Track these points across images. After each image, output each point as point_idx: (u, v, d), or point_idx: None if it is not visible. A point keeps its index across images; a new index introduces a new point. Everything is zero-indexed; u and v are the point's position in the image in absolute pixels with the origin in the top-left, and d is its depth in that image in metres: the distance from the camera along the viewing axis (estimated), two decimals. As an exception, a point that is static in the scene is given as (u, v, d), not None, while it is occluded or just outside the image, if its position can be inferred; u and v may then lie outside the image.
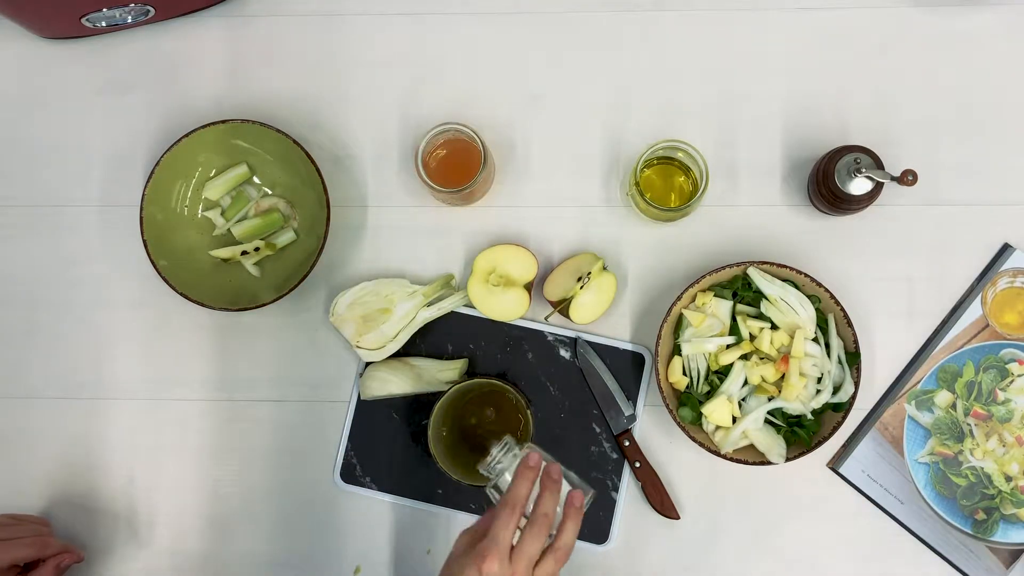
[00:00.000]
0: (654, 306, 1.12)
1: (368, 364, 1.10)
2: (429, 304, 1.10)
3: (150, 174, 1.09)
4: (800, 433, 1.05)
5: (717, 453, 1.05)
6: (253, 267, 1.12)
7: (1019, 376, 1.09)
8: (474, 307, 1.10)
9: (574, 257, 1.10)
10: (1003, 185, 1.12)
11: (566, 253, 1.12)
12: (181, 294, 1.08)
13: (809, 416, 1.05)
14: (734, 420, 1.04)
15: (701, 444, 1.05)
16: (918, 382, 1.10)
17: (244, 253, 1.11)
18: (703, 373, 1.06)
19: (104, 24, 1.12)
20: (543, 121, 1.14)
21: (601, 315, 1.09)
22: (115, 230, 1.15)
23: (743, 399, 1.05)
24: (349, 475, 1.11)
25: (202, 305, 1.08)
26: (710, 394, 1.05)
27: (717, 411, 1.04)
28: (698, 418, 1.05)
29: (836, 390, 1.05)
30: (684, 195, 1.10)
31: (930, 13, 1.13)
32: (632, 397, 1.10)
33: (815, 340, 1.05)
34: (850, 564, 1.10)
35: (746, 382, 1.05)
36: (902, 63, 1.13)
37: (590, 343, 1.11)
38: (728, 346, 1.05)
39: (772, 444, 1.04)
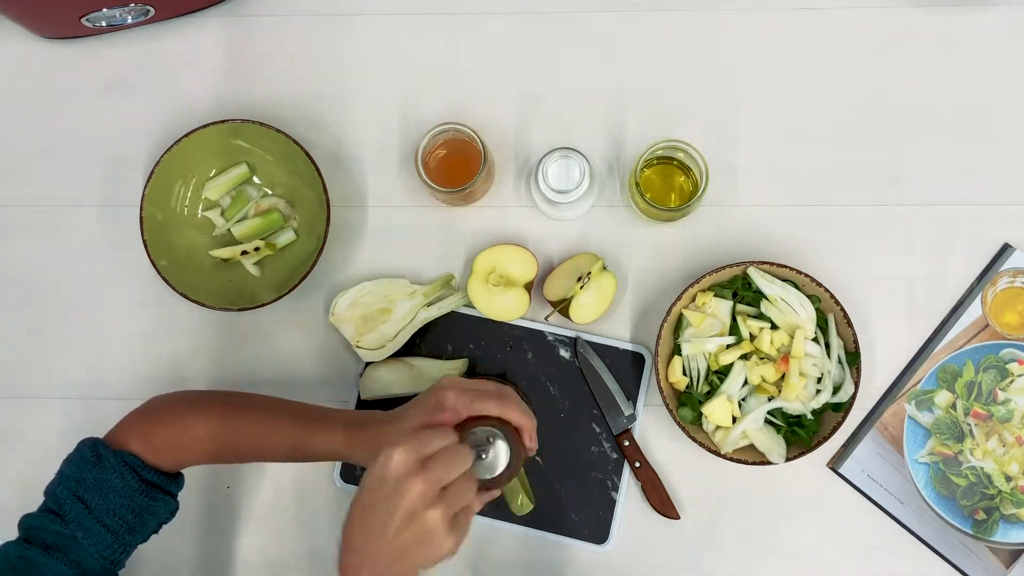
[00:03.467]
0: (654, 306, 1.12)
1: (368, 364, 1.10)
2: (429, 304, 1.10)
3: (150, 174, 1.09)
4: (800, 433, 1.05)
5: (717, 453, 1.05)
6: (253, 267, 1.12)
7: (1019, 376, 1.09)
8: (474, 307, 1.10)
9: (574, 257, 1.10)
10: (1003, 185, 1.12)
11: (566, 253, 1.12)
12: (181, 294, 1.08)
13: (809, 416, 1.05)
14: (734, 420, 1.04)
15: (701, 444, 1.05)
16: (918, 382, 1.10)
17: (244, 253, 1.11)
18: (703, 373, 1.06)
19: (104, 24, 1.12)
20: (543, 121, 1.14)
21: (601, 315, 1.09)
22: (115, 230, 1.15)
23: (743, 399, 1.05)
24: (349, 475, 1.11)
25: (202, 305, 1.08)
26: (710, 394, 1.05)
27: (717, 411, 1.04)
28: (698, 418, 1.05)
29: (836, 390, 1.05)
30: (684, 195, 1.10)
31: (930, 13, 1.13)
32: (632, 397, 1.10)
33: (815, 340, 1.05)
34: (850, 564, 1.10)
35: (746, 382, 1.05)
36: (902, 63, 1.13)
37: (590, 343, 1.11)
38: (728, 346, 1.05)
39: (772, 444, 1.04)
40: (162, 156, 1.09)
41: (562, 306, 1.09)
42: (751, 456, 1.05)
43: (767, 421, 1.05)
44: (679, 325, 1.07)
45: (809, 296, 1.05)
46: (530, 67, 1.15)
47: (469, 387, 0.88)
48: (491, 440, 0.89)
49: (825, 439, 1.04)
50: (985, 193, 1.12)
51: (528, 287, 1.09)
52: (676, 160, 1.09)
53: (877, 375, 1.11)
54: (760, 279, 1.05)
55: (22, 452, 1.14)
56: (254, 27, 1.17)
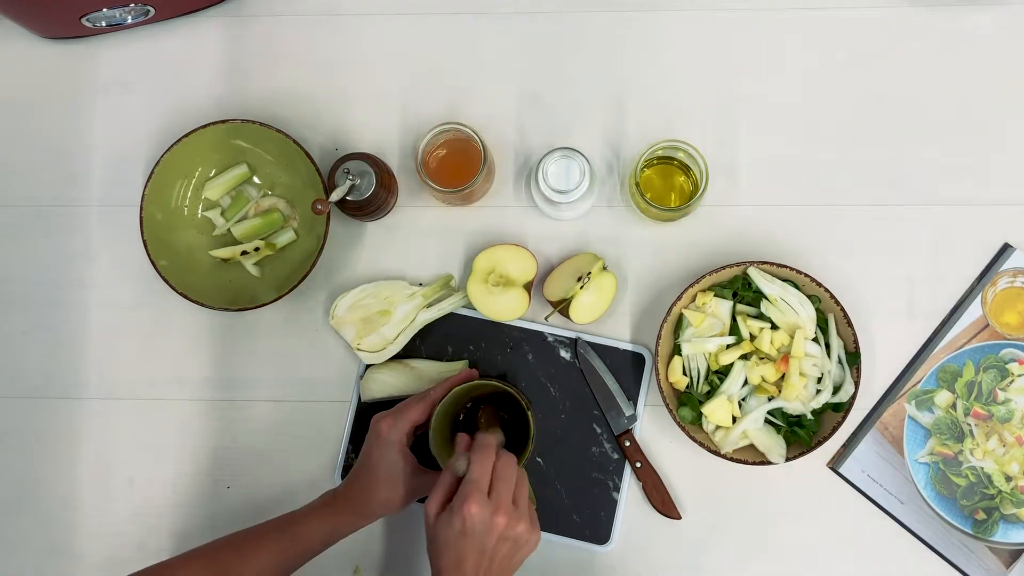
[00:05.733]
0: (654, 306, 1.12)
1: (368, 366, 1.10)
2: (429, 305, 1.10)
3: (150, 174, 1.09)
4: (800, 433, 1.05)
5: (717, 453, 1.05)
6: (253, 267, 1.12)
7: (1019, 376, 1.09)
8: (474, 308, 1.10)
9: (574, 257, 1.10)
10: (1003, 185, 1.12)
11: (566, 253, 1.12)
12: (181, 294, 1.08)
13: (809, 416, 1.05)
14: (734, 420, 1.04)
15: (701, 444, 1.05)
16: (918, 382, 1.10)
17: (244, 253, 1.11)
18: (703, 373, 1.06)
19: (104, 24, 1.12)
20: (543, 121, 1.14)
21: (601, 315, 1.09)
22: (115, 230, 1.15)
23: (743, 399, 1.05)
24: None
25: (202, 305, 1.08)
26: (710, 394, 1.05)
27: (717, 411, 1.04)
28: (698, 418, 1.05)
29: (836, 390, 1.05)
30: (684, 195, 1.10)
31: (930, 13, 1.13)
32: (632, 397, 1.10)
33: (815, 340, 1.05)
34: (850, 564, 1.10)
35: (746, 382, 1.05)
36: (902, 63, 1.13)
37: (590, 343, 1.11)
38: (728, 346, 1.05)
39: (772, 444, 1.04)
40: (162, 156, 1.09)
41: (562, 306, 1.09)
42: (751, 456, 1.05)
43: (767, 421, 1.05)
44: (679, 325, 1.07)
45: (809, 296, 1.05)
46: (530, 67, 1.15)
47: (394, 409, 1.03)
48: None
49: (825, 439, 1.04)
50: (985, 193, 1.12)
51: (528, 287, 1.09)
52: (676, 160, 1.09)
53: (877, 375, 1.11)
54: (760, 279, 1.05)
55: (21, 452, 1.14)
56: (254, 27, 1.17)
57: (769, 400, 1.05)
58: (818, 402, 1.04)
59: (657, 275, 1.12)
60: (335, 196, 1.04)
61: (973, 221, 1.11)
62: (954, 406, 1.09)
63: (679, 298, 1.06)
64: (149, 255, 1.08)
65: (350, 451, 1.11)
